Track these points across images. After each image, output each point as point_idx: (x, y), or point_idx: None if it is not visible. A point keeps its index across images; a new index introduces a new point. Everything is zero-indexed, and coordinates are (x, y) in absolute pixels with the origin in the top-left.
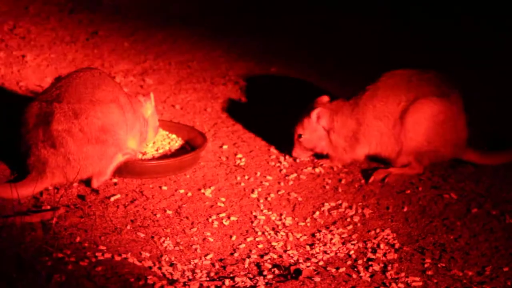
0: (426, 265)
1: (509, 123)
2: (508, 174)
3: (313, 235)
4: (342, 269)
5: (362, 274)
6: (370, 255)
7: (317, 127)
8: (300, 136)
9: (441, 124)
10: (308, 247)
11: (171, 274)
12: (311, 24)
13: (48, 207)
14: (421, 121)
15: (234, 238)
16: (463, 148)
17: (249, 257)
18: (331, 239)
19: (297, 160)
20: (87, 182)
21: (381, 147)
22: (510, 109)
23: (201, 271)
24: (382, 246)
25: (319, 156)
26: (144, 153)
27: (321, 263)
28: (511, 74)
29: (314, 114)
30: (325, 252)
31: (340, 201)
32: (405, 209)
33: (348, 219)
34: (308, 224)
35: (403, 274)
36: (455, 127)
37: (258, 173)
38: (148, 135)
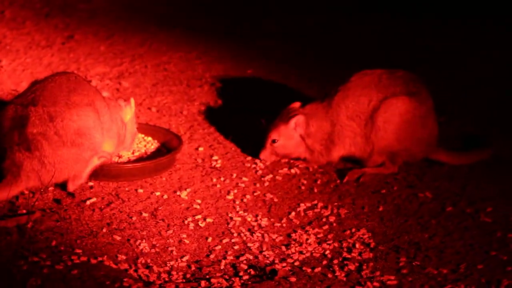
0: (401, 264)
1: (483, 122)
2: (482, 173)
3: (288, 235)
4: (317, 269)
5: (337, 273)
6: (345, 254)
7: (293, 134)
8: (274, 141)
9: (410, 122)
10: (283, 248)
11: (147, 276)
12: (289, 26)
13: (24, 211)
14: (391, 120)
15: (210, 239)
16: (434, 147)
17: (225, 258)
18: (307, 239)
19: (267, 163)
20: (63, 185)
21: (355, 147)
22: (484, 108)
23: (177, 273)
24: (357, 245)
25: (295, 158)
26: (119, 156)
27: (296, 263)
28: (491, 75)
29: (292, 122)
30: (300, 252)
31: (315, 201)
32: (381, 209)
33: (324, 219)
34: (284, 225)
35: (378, 273)
36: (425, 126)
37: (234, 175)
38: (125, 139)
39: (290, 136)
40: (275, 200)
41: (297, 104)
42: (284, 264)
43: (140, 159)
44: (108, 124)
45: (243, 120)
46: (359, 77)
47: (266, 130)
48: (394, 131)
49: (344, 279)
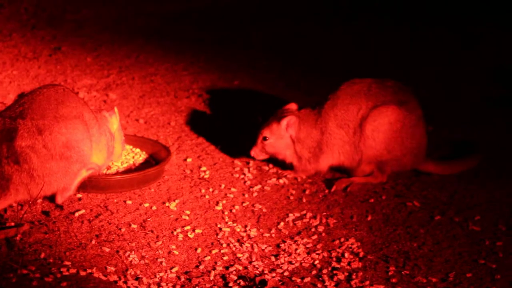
0: (390, 273)
1: (471, 130)
2: (470, 181)
3: (278, 245)
4: (307, 279)
5: (327, 283)
6: (334, 264)
7: (284, 135)
8: (265, 138)
9: (399, 132)
10: (273, 258)
11: None
12: (276, 36)
13: (12, 223)
14: (380, 129)
15: (199, 250)
16: (423, 157)
17: (214, 269)
18: (296, 249)
19: (256, 159)
20: (51, 198)
21: (343, 156)
22: (472, 116)
23: (166, 284)
24: (346, 255)
25: (283, 167)
26: (108, 168)
27: (286, 273)
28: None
29: (284, 121)
30: (290, 262)
31: (304, 211)
32: (369, 218)
33: (313, 229)
34: (273, 235)
35: (367, 283)
36: (414, 136)
37: (223, 185)
38: (115, 150)
39: (281, 135)
40: (264, 210)
41: (293, 106)
42: (274, 274)
43: (128, 170)
44: (97, 136)
45: (231, 130)
46: (348, 86)
47: (259, 128)
48: (383, 140)
49: None
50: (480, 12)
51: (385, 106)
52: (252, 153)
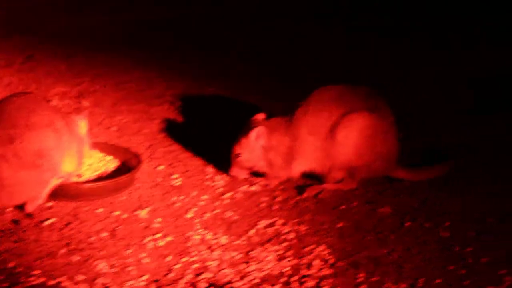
0: (360, 280)
1: (443, 137)
2: (441, 188)
3: (248, 253)
4: (277, 286)
5: None
6: (305, 271)
7: (255, 146)
8: (238, 155)
9: (370, 138)
10: (243, 265)
11: None
12: (252, 43)
13: None
14: (351, 135)
15: (169, 258)
16: (394, 164)
17: (184, 277)
18: (266, 256)
19: (237, 177)
20: (21, 206)
21: (315, 162)
22: (444, 123)
23: None
24: (317, 262)
25: (255, 174)
26: (79, 175)
27: (256, 280)
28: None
29: (253, 133)
30: (259, 269)
31: (275, 219)
32: (340, 225)
33: (283, 236)
34: (243, 242)
35: None
36: (385, 142)
37: (194, 193)
38: (84, 154)
39: (252, 148)
40: (235, 217)
41: (261, 116)
42: (244, 282)
43: (99, 178)
44: (68, 143)
45: (203, 137)
46: (320, 92)
47: (230, 145)
48: (354, 146)
49: None
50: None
51: (356, 113)
52: (232, 173)
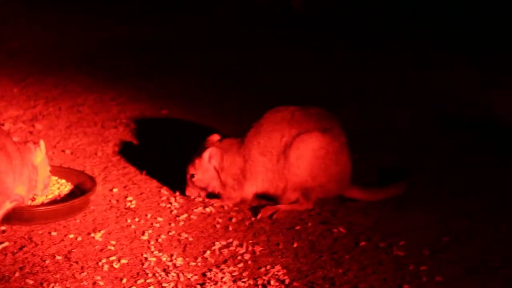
0: None
1: (398, 157)
2: (396, 208)
3: (204, 274)
4: None
5: None
6: None
7: (208, 167)
8: (192, 176)
9: (323, 158)
10: (199, 287)
11: None
12: (209, 64)
13: None
14: (303, 156)
15: (124, 281)
16: (348, 184)
17: None
18: (222, 277)
19: (196, 198)
20: None
21: (268, 183)
22: (399, 143)
23: None
24: (272, 282)
25: (210, 195)
26: (33, 199)
27: None
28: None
29: (206, 154)
30: None
31: (231, 240)
32: (295, 245)
33: (239, 257)
34: (199, 264)
35: None
36: (338, 162)
37: (149, 215)
38: (38, 184)
39: (206, 169)
40: (190, 239)
41: (215, 137)
42: None
43: (53, 201)
44: (19, 168)
45: (158, 160)
46: (272, 114)
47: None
48: (307, 167)
49: None
50: None
51: (308, 134)
52: (187, 193)
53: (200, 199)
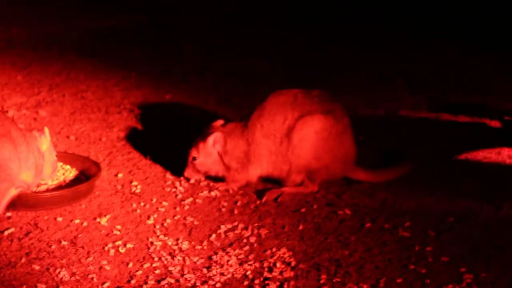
0: (321, 281)
1: (402, 139)
2: (399, 188)
3: (210, 257)
4: None
5: None
6: (266, 274)
7: (212, 152)
8: (194, 158)
9: (326, 140)
10: (205, 270)
11: None
12: (210, 50)
13: None
14: (307, 138)
15: (131, 265)
16: (352, 165)
17: (146, 283)
18: (228, 260)
19: (192, 180)
20: None
21: (272, 166)
22: (402, 125)
23: None
24: (278, 264)
25: (215, 179)
26: (38, 185)
27: (218, 285)
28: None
29: (210, 139)
30: (222, 274)
31: (236, 223)
32: (301, 227)
33: (245, 240)
34: (205, 247)
35: None
36: (341, 143)
37: (154, 199)
38: (44, 169)
39: (209, 153)
40: (196, 223)
41: (219, 122)
42: (206, 286)
43: (58, 187)
44: (25, 154)
45: (162, 144)
46: (274, 97)
47: (188, 149)
48: (311, 149)
49: None
50: None
51: (311, 116)
52: (186, 174)
53: (200, 178)
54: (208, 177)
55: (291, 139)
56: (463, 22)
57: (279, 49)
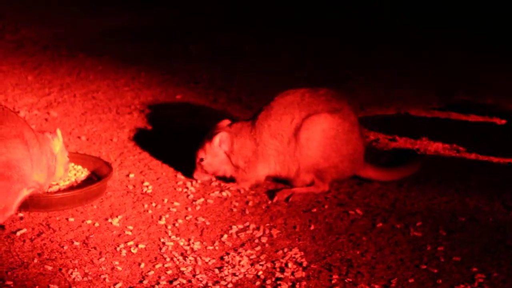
0: (333, 281)
1: (411, 137)
2: (410, 188)
3: (221, 258)
4: None
5: None
6: (278, 274)
7: (218, 152)
8: (201, 160)
9: (334, 139)
10: (217, 270)
11: None
12: (218, 50)
13: None
14: (314, 137)
15: (142, 265)
16: (361, 164)
17: (158, 283)
18: (240, 261)
19: (199, 181)
20: None
21: (280, 166)
22: (411, 123)
23: None
24: (290, 265)
25: (226, 180)
26: (50, 186)
27: (230, 285)
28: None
29: (216, 139)
30: (234, 274)
31: (247, 223)
32: (312, 228)
33: (256, 240)
34: (217, 248)
35: None
36: (349, 142)
37: (166, 200)
38: (57, 171)
39: (216, 153)
40: (207, 223)
41: (225, 122)
42: (218, 287)
43: (70, 188)
44: (38, 155)
45: (173, 145)
46: (282, 97)
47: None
48: (318, 148)
49: None
50: None
51: (318, 115)
52: (195, 176)
53: (214, 181)
54: (219, 178)
55: (298, 139)
56: (468, 20)
57: (286, 49)
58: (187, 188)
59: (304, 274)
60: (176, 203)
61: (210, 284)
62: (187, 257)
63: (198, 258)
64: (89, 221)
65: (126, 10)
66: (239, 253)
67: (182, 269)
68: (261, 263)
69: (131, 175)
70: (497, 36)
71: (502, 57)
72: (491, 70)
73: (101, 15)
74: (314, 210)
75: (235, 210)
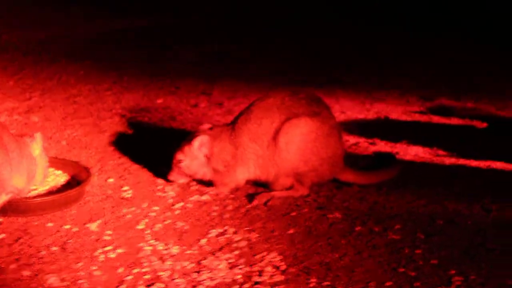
0: (311, 285)
1: (392, 141)
2: (390, 192)
3: (199, 262)
4: None
5: None
6: (256, 278)
7: (198, 155)
8: (179, 161)
9: (313, 142)
10: (195, 275)
11: None
12: (202, 55)
13: None
14: (293, 141)
15: (120, 270)
16: (341, 167)
17: None
18: (218, 265)
19: (177, 182)
20: None
21: (260, 170)
22: (392, 126)
23: None
24: (268, 269)
25: (206, 184)
26: (29, 190)
27: None
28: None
29: (196, 141)
30: (211, 278)
31: (226, 227)
32: (291, 231)
33: (235, 244)
34: (195, 252)
35: None
36: (328, 145)
37: (145, 204)
38: (36, 175)
39: (195, 156)
40: (186, 227)
41: (206, 126)
42: None
43: (49, 193)
44: (17, 159)
45: (154, 149)
46: (262, 100)
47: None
48: (298, 152)
49: None
50: None
51: (297, 118)
52: (170, 177)
53: (194, 185)
54: (199, 182)
55: (277, 142)
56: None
57: (275, 51)
58: (166, 192)
59: (282, 277)
60: (155, 208)
61: None
62: (165, 262)
63: (176, 262)
64: (67, 226)
65: (111, 16)
66: (217, 257)
67: (160, 273)
68: (239, 267)
69: (111, 180)
70: (496, 37)
71: (491, 59)
72: (479, 72)
73: (84, 21)
74: (293, 213)
75: (214, 214)
